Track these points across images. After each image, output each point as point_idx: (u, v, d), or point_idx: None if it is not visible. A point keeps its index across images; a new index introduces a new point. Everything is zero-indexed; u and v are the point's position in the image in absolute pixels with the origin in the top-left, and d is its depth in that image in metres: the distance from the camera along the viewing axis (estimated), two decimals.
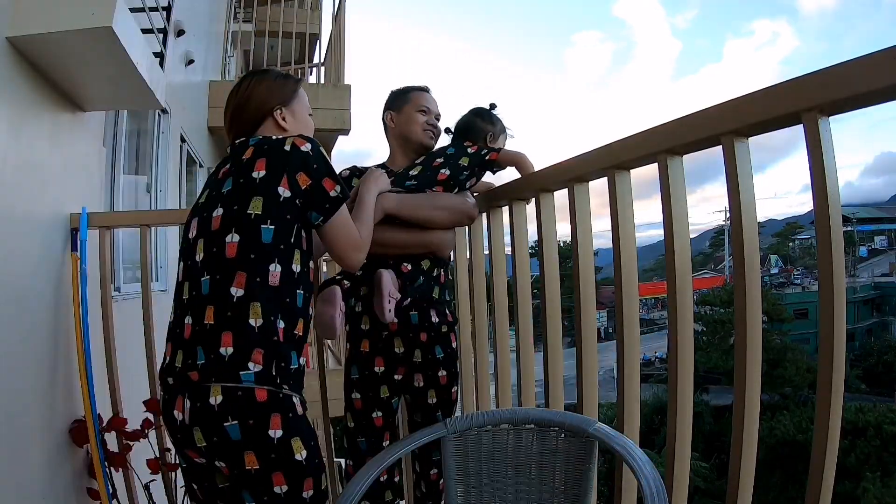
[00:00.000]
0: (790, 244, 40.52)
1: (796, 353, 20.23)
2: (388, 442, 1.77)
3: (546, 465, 1.38)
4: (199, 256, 1.29)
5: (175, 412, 1.23)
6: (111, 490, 2.10)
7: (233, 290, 1.22)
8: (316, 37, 6.68)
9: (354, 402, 1.75)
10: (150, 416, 2.16)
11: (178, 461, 2.07)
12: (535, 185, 1.80)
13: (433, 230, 1.76)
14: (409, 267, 1.74)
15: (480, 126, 1.89)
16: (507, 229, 2.00)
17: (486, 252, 2.14)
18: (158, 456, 2.18)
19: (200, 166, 4.97)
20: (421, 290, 1.75)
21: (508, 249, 2.00)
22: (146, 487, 2.20)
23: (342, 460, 1.84)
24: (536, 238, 1.86)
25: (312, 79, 6.29)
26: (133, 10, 1.94)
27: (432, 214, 1.75)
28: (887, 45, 0.86)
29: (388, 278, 1.61)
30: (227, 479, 1.25)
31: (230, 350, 1.19)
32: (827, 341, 1.01)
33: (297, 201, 1.29)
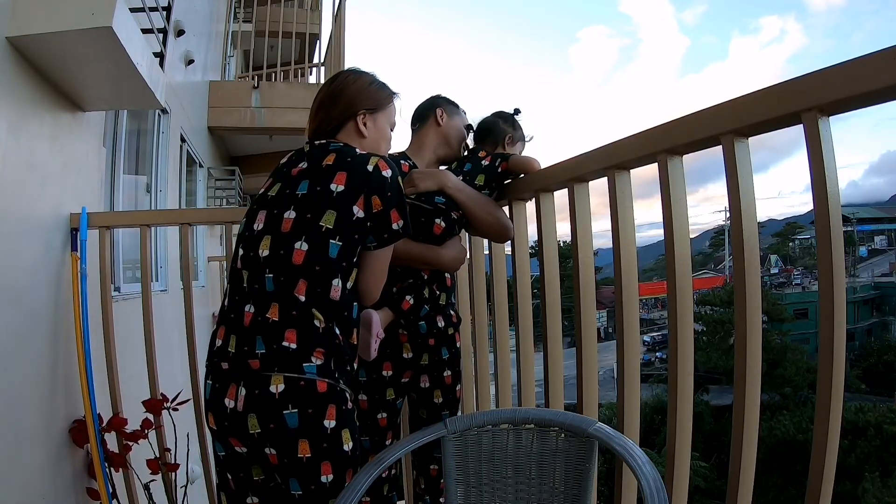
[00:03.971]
0: (790, 244, 40.53)
1: (796, 353, 20.23)
2: (390, 441, 1.78)
3: (546, 465, 1.38)
4: (265, 252, 1.30)
5: (227, 400, 1.24)
6: (111, 490, 2.10)
7: (297, 295, 1.26)
8: (316, 37, 6.68)
9: (360, 403, 1.75)
10: (150, 417, 2.16)
11: (188, 462, 2.08)
12: (535, 185, 1.80)
13: (439, 249, 1.72)
14: (412, 301, 1.72)
15: (502, 128, 1.91)
16: None
17: (487, 252, 2.14)
18: (158, 456, 2.18)
19: (200, 166, 4.97)
20: (428, 316, 1.75)
21: (508, 249, 2.01)
22: (146, 487, 2.20)
23: None
24: (536, 238, 1.86)
25: (312, 79, 6.29)
26: (133, 10, 1.94)
27: (480, 212, 1.76)
28: (894, 42, 0.86)
29: (377, 319, 1.61)
30: (268, 471, 1.29)
31: (293, 345, 1.24)
32: (827, 341, 1.01)
33: (368, 224, 1.33)
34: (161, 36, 2.54)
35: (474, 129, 1.94)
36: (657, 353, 26.26)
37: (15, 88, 1.77)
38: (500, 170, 1.85)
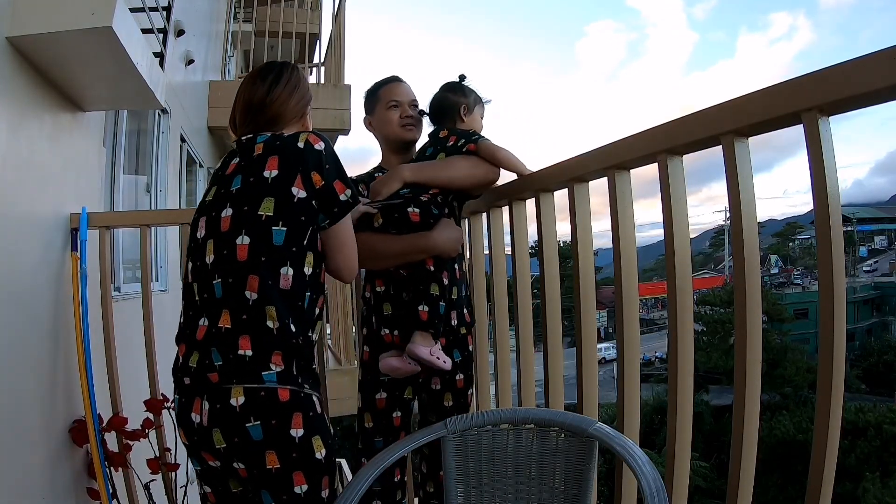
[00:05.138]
0: (790, 244, 40.53)
1: (796, 353, 20.24)
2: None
3: (546, 465, 1.38)
4: (210, 258, 1.25)
5: (192, 415, 1.21)
6: (111, 490, 2.10)
7: (247, 294, 1.20)
8: (316, 37, 6.68)
9: (378, 402, 1.74)
10: (150, 416, 2.16)
11: (188, 462, 2.08)
12: (535, 185, 1.80)
13: (429, 233, 1.66)
14: (427, 309, 1.64)
15: (453, 101, 1.80)
16: (507, 229, 2.00)
17: (486, 252, 2.14)
18: (158, 456, 2.18)
19: (200, 166, 4.97)
20: (445, 317, 1.70)
21: (508, 249, 2.01)
22: (146, 487, 2.20)
23: (342, 460, 1.84)
24: (536, 238, 1.86)
25: (312, 79, 6.29)
26: (133, 10, 1.94)
27: (452, 174, 1.71)
28: None
29: (398, 363, 1.64)
30: (243, 483, 1.24)
31: (249, 352, 1.18)
32: (827, 341, 1.01)
33: (314, 202, 1.26)
34: (161, 36, 2.54)
35: (427, 112, 1.85)
36: (657, 353, 26.22)
37: (15, 88, 1.77)
38: (465, 151, 1.76)
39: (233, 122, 1.41)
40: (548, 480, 1.37)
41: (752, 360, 1.17)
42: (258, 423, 1.16)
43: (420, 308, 1.65)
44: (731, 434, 1.20)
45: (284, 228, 1.23)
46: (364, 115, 1.88)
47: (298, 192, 1.25)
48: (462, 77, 1.84)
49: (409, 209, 1.66)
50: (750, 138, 1.17)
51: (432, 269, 1.67)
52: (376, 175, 1.79)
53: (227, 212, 1.26)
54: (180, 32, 3.54)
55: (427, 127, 1.87)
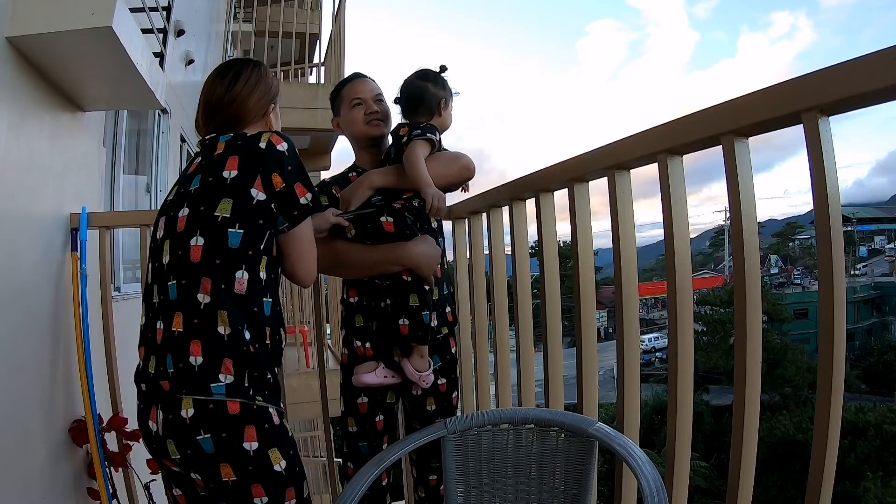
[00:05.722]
0: (790, 244, 40.52)
1: (796, 353, 20.23)
2: (387, 444, 1.75)
3: (546, 465, 1.38)
4: (166, 259, 1.22)
5: (150, 422, 1.18)
6: (111, 490, 2.10)
7: (199, 297, 1.16)
8: (316, 37, 6.68)
9: (360, 406, 1.72)
10: None
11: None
12: (535, 185, 1.80)
13: (406, 245, 1.58)
14: (408, 323, 1.58)
15: (433, 93, 1.67)
16: (507, 229, 2.00)
17: (486, 252, 2.14)
18: None
19: None
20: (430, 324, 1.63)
21: (508, 249, 2.00)
22: (146, 487, 2.20)
23: (342, 460, 1.83)
24: (536, 238, 1.86)
25: (312, 79, 6.30)
26: (133, 10, 1.94)
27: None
28: None
29: (371, 379, 1.62)
30: (206, 489, 1.21)
31: (199, 359, 1.14)
32: (827, 341, 1.01)
33: (273, 205, 1.21)
34: (161, 36, 2.54)
35: (401, 99, 1.71)
36: (657, 354, 26.25)
37: (15, 88, 1.77)
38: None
39: (197, 122, 1.38)
40: (548, 480, 1.37)
41: (752, 360, 1.17)
42: (208, 436, 1.12)
43: (400, 322, 1.59)
44: (731, 434, 1.20)
45: (241, 231, 1.19)
46: (332, 118, 1.82)
47: (258, 194, 1.20)
48: (443, 68, 1.73)
49: (383, 219, 1.61)
50: (750, 138, 1.17)
51: (409, 279, 1.59)
52: (350, 175, 1.74)
53: (184, 212, 1.22)
54: (180, 32, 3.54)
55: (398, 119, 1.76)
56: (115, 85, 2.12)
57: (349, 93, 1.74)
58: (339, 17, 5.39)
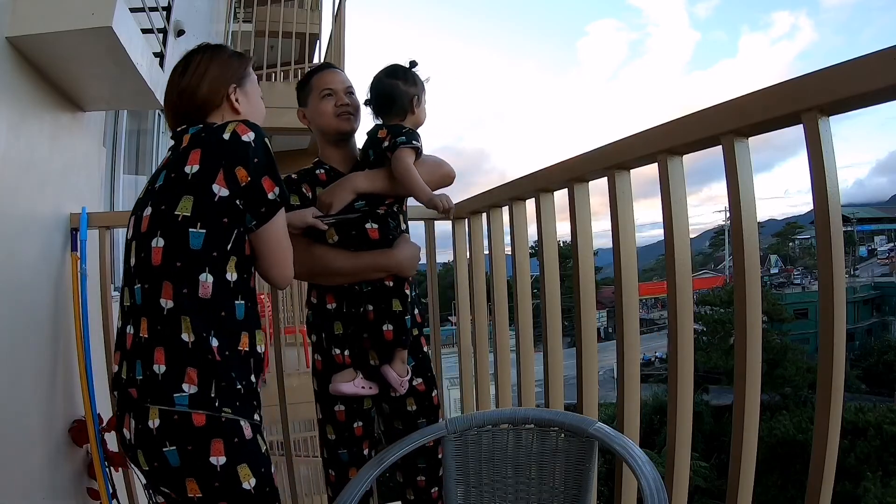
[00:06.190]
0: (790, 244, 40.51)
1: (796, 353, 20.22)
2: (367, 450, 1.69)
3: (546, 465, 1.38)
4: (132, 261, 1.16)
5: (124, 430, 1.13)
6: (111, 490, 2.10)
7: (162, 302, 1.09)
8: (316, 37, 6.68)
9: (338, 414, 1.65)
10: None
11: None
12: (535, 185, 1.80)
13: (391, 252, 1.57)
14: (392, 328, 1.56)
15: (403, 91, 1.60)
16: (507, 229, 2.00)
17: (486, 252, 2.14)
18: None
19: None
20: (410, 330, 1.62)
21: (508, 249, 2.01)
22: (146, 487, 2.20)
23: (324, 467, 1.77)
24: (536, 238, 1.86)
25: None
26: (133, 10, 1.94)
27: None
28: None
29: (349, 389, 1.57)
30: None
31: (163, 368, 1.08)
32: (827, 341, 1.02)
33: (238, 202, 1.12)
34: (161, 36, 2.53)
35: (371, 99, 1.64)
36: (657, 353, 26.24)
37: (15, 88, 1.77)
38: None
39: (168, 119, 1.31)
40: (548, 480, 1.37)
41: (752, 360, 1.17)
42: (174, 448, 1.06)
43: (384, 328, 1.57)
44: (731, 434, 1.20)
45: (203, 231, 1.10)
46: (298, 108, 1.72)
47: (220, 191, 1.10)
48: (413, 63, 1.65)
49: (367, 225, 1.58)
50: (750, 138, 1.17)
51: (391, 285, 1.57)
52: (318, 172, 1.66)
53: (147, 211, 1.15)
54: (180, 32, 3.54)
55: (367, 117, 1.68)
56: (115, 85, 2.12)
57: (319, 83, 1.66)
58: (339, 17, 5.40)
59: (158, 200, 1.13)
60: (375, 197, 1.58)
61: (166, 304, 1.09)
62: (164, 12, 2.60)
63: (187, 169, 1.12)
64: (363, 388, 1.59)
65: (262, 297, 4.45)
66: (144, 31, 2.17)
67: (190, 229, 1.10)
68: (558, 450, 1.36)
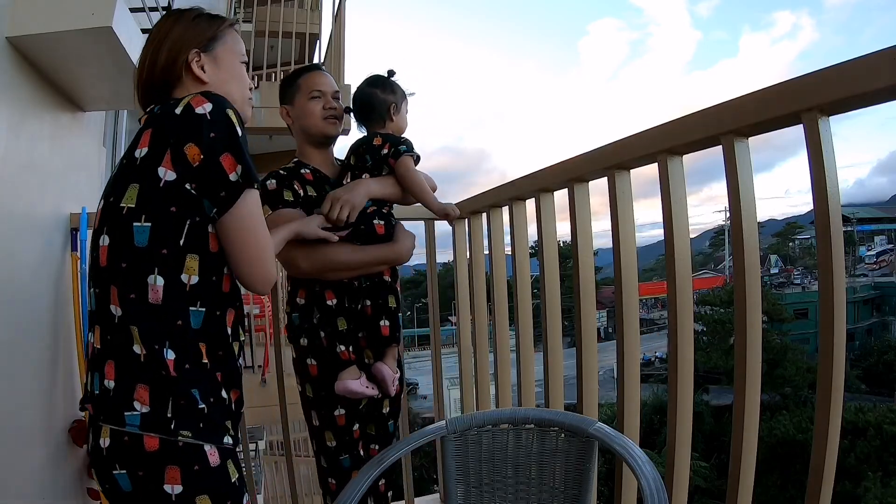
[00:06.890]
0: (790, 244, 40.52)
1: (796, 353, 20.23)
2: (362, 450, 1.65)
3: (546, 465, 1.38)
4: (89, 262, 1.04)
5: (87, 444, 1.02)
6: None
7: (112, 309, 0.95)
8: (316, 37, 6.68)
9: (338, 419, 1.60)
10: None
11: None
12: (535, 185, 1.80)
13: (395, 244, 1.61)
14: (388, 324, 1.59)
15: (381, 99, 1.65)
16: (507, 229, 2.00)
17: (486, 252, 2.14)
18: None
19: None
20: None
21: (508, 249, 2.01)
22: None
23: (323, 477, 1.71)
24: (536, 238, 1.86)
25: None
26: (133, 10, 1.95)
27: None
28: None
29: (357, 387, 1.54)
30: None
31: (112, 383, 0.94)
32: (827, 341, 1.02)
33: (189, 186, 0.94)
34: None
35: (353, 107, 1.70)
36: (657, 353, 26.24)
37: (15, 88, 1.77)
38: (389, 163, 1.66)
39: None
40: (548, 480, 1.37)
41: (752, 360, 1.17)
42: (124, 471, 0.93)
43: (381, 323, 1.58)
44: (731, 434, 1.20)
45: (148, 224, 0.94)
46: (281, 104, 1.71)
47: (166, 174, 0.93)
48: (391, 73, 1.70)
49: (375, 221, 1.60)
50: (750, 138, 1.17)
51: (389, 279, 1.60)
52: (303, 171, 1.65)
53: (101, 204, 1.01)
54: None
55: (352, 126, 1.74)
56: (115, 85, 2.12)
57: (309, 83, 1.67)
58: (339, 17, 5.40)
59: (109, 191, 0.99)
60: (381, 201, 1.64)
61: (115, 311, 0.95)
62: (164, 12, 2.60)
63: (137, 152, 0.96)
64: (367, 387, 1.58)
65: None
66: (144, 31, 2.17)
67: (134, 223, 0.94)
68: (558, 450, 1.36)
